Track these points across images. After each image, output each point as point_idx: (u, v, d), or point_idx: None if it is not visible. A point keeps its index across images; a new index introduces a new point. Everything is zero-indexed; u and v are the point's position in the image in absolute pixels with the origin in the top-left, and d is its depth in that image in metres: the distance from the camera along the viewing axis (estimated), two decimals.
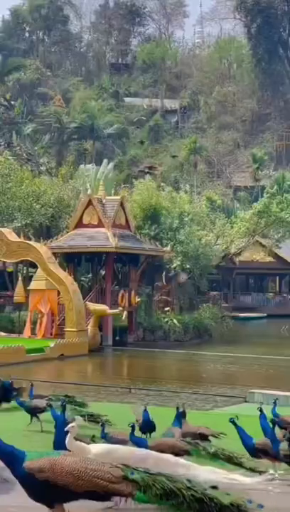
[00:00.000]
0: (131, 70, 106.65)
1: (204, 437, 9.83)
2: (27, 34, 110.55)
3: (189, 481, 6.02)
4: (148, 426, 10.59)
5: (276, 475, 7.84)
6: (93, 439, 8.86)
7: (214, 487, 6.02)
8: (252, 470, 8.73)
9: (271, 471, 7.87)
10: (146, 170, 54.75)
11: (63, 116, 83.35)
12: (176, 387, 22.36)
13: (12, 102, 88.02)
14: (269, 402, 14.97)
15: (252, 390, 17.80)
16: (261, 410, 9.98)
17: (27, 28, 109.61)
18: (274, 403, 11.36)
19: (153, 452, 7.71)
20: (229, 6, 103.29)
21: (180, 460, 7.70)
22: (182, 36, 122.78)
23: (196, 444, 9.32)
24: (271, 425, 9.48)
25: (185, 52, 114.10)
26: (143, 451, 7.54)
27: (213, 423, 11.28)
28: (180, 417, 10.62)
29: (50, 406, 11.39)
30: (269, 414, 10.33)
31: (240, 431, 9.17)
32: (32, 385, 13.53)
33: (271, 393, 16.70)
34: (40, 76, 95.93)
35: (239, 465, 8.94)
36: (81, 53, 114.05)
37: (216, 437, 9.90)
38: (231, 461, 8.95)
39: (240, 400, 17.96)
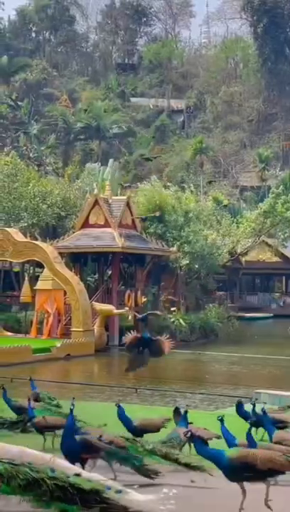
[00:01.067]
0: (138, 70, 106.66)
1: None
2: (33, 34, 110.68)
3: (52, 470, 6.14)
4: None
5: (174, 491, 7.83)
6: None
7: (77, 474, 6.17)
8: (187, 465, 9.12)
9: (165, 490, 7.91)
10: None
11: (69, 117, 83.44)
12: (181, 388, 22.38)
13: (18, 103, 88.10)
14: (275, 402, 15.07)
15: (258, 390, 17.79)
16: (253, 408, 10.60)
17: (33, 28, 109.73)
18: (253, 404, 11.72)
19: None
20: (236, 6, 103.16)
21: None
22: (188, 36, 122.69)
23: (133, 441, 9.63)
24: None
25: (191, 52, 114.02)
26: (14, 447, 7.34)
27: (217, 424, 11.28)
28: (186, 417, 10.67)
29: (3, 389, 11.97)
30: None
31: (224, 431, 9.28)
32: (31, 379, 13.77)
33: (276, 393, 16.69)
34: (46, 76, 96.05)
35: (175, 461, 9.32)
36: (87, 53, 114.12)
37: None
38: (167, 457, 9.31)
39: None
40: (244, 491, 7.55)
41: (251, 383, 18.15)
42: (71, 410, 8.98)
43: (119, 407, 10.53)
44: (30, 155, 68.50)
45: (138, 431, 10.52)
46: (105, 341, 34.32)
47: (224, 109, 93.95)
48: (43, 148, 75.49)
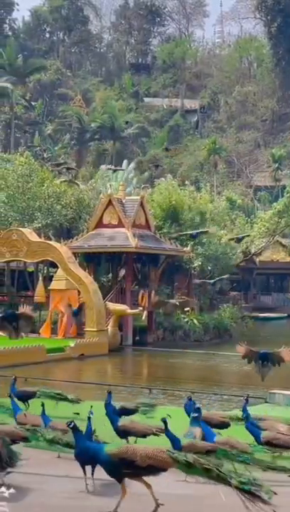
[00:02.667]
0: (151, 70, 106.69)
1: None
2: (47, 35, 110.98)
3: None
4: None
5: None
6: None
7: None
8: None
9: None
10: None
11: (83, 116, 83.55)
12: (196, 388, 22.31)
13: (32, 103, 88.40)
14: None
15: (273, 391, 17.73)
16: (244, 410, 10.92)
17: (47, 29, 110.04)
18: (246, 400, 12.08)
19: None
20: (250, 6, 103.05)
21: None
22: (202, 36, 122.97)
23: (34, 431, 9.96)
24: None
25: (205, 52, 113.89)
26: None
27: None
28: (199, 416, 10.66)
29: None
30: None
31: (168, 434, 9.28)
32: (15, 379, 13.78)
33: None
34: (60, 77, 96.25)
35: None
36: (101, 53, 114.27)
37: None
38: (69, 446, 9.53)
39: (260, 401, 17.89)
40: (124, 489, 7.36)
41: (266, 384, 18.06)
42: (89, 418, 9.09)
43: (108, 404, 10.59)
44: (45, 155, 68.65)
45: (120, 432, 10.59)
46: (119, 341, 34.32)
47: (238, 109, 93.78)
48: (56, 148, 75.66)
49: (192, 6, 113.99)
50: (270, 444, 10.75)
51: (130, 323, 35.87)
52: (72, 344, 30.67)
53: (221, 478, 7.18)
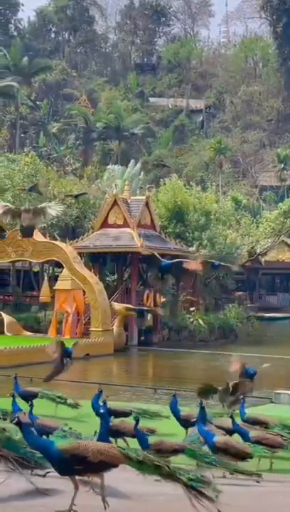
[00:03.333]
0: (156, 70, 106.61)
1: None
2: (53, 35, 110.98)
3: None
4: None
5: None
6: None
7: None
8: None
9: None
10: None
11: (89, 116, 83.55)
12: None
13: (38, 103, 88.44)
14: None
15: (278, 391, 17.70)
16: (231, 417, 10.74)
17: (53, 29, 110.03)
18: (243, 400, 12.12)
19: None
20: (255, 5, 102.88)
21: None
22: (207, 36, 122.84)
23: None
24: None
25: (210, 52, 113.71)
26: None
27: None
28: (204, 416, 10.61)
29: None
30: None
31: (137, 432, 9.31)
32: (16, 378, 13.68)
33: None
34: (65, 77, 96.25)
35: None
36: (106, 53, 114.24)
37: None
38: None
39: (266, 401, 17.86)
40: (76, 486, 7.21)
41: (272, 384, 18.04)
42: (103, 414, 9.02)
43: (103, 404, 10.59)
44: (50, 155, 68.69)
45: (112, 431, 10.59)
46: (124, 341, 34.33)
47: (244, 109, 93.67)
48: (62, 148, 75.69)
49: (198, 6, 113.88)
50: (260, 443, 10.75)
51: (135, 323, 35.87)
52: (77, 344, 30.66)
53: (171, 476, 7.22)
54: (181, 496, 7.08)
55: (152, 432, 10.94)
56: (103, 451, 7.17)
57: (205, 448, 9.96)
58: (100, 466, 7.20)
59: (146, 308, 36.42)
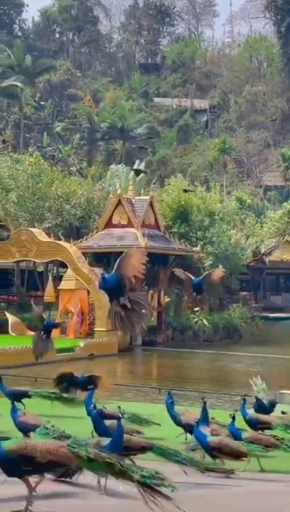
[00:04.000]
0: (161, 70, 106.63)
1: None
2: (57, 35, 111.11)
3: None
4: None
5: None
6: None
7: None
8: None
9: None
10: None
11: (93, 116, 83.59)
12: (205, 388, 22.28)
13: (42, 103, 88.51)
14: None
15: (283, 391, 17.66)
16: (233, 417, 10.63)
17: (57, 29, 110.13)
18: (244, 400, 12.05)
19: None
20: (259, 5, 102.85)
21: None
22: (211, 36, 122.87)
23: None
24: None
25: (214, 52, 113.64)
26: None
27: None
28: (207, 416, 10.60)
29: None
30: None
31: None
32: (0, 378, 13.24)
33: None
34: (70, 77, 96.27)
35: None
36: (111, 54, 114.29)
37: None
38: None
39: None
40: (29, 485, 7.02)
41: (276, 384, 18.01)
42: (119, 417, 8.90)
43: (93, 407, 10.54)
44: (55, 155, 68.72)
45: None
46: (128, 341, 34.31)
47: (248, 109, 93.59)
48: (66, 148, 75.70)
49: (202, 6, 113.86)
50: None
51: None
52: (81, 344, 30.70)
53: (123, 474, 7.00)
54: (181, 496, 7.03)
55: (138, 433, 10.79)
56: (52, 451, 6.97)
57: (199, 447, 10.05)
58: (49, 466, 7.04)
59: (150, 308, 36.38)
